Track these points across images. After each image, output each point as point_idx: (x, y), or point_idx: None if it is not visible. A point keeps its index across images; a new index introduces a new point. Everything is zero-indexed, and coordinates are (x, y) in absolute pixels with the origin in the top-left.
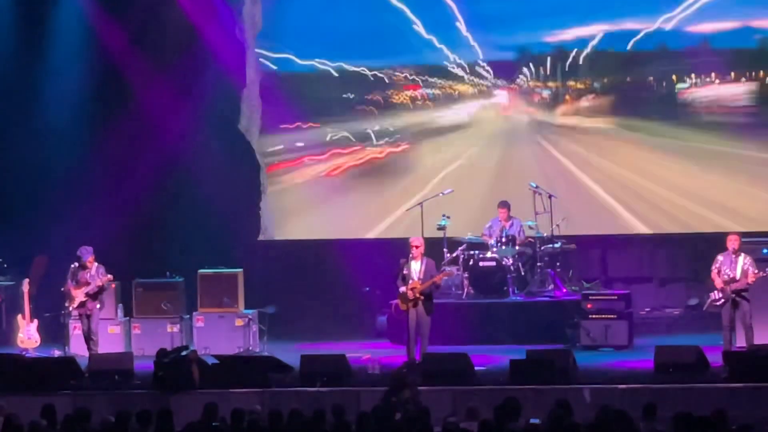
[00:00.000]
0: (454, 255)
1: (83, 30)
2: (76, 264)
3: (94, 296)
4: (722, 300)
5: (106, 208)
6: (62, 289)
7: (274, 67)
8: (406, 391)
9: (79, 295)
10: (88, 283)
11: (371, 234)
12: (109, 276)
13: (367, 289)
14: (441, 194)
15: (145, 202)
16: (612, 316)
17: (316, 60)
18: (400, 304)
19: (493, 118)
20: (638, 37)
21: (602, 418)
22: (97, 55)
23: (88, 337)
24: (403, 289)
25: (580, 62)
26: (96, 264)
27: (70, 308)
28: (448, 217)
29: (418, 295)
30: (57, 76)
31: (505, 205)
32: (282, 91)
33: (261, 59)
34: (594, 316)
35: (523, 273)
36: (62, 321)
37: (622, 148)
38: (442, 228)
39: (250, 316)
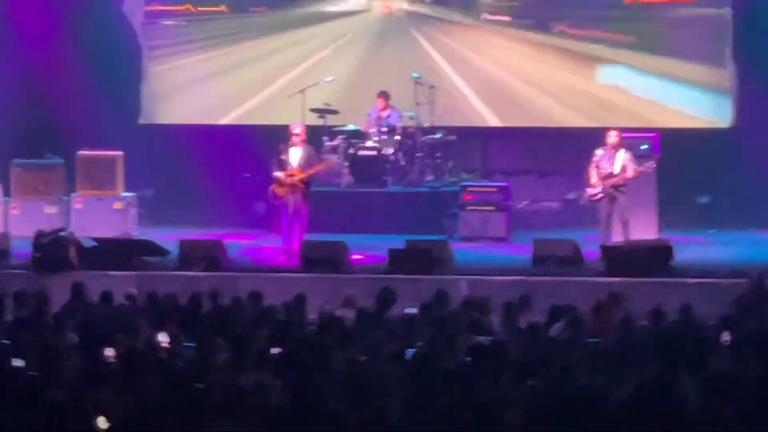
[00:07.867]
0: (335, 143)
1: None
2: None
3: None
4: (600, 194)
5: None
6: None
7: None
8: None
9: None
10: None
11: (238, 114)
12: None
13: (248, 175)
14: (323, 82)
15: (26, 81)
16: (490, 208)
17: None
18: (277, 189)
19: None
20: None
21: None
22: None
23: None
24: (279, 174)
25: None
26: None
27: None
28: (330, 106)
29: (297, 181)
30: None
31: (382, 94)
32: None
33: None
34: (472, 208)
35: (403, 163)
36: None
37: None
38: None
39: (129, 200)
